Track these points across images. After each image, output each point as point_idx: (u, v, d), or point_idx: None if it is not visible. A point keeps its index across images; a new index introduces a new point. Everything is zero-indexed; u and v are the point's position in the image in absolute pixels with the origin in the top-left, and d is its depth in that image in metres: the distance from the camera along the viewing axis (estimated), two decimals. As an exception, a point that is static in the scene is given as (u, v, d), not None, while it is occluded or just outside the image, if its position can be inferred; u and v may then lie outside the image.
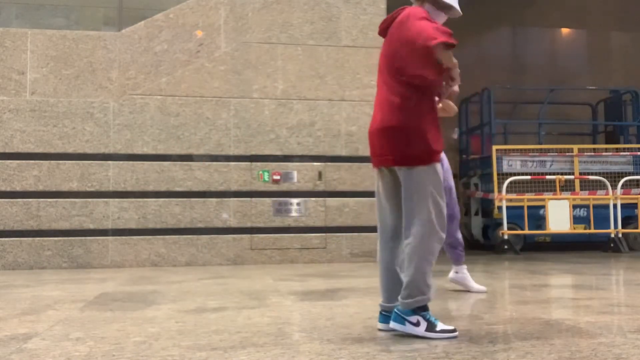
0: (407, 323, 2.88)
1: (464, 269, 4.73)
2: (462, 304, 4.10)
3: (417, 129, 2.90)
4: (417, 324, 2.86)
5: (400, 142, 2.91)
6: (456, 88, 3.09)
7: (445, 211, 2.95)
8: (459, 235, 4.64)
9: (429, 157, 2.90)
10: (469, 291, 4.68)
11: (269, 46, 8.17)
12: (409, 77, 2.93)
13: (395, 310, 2.93)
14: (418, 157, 2.89)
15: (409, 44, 2.88)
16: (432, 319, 2.89)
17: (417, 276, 2.86)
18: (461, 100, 11.81)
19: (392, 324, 2.93)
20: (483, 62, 13.79)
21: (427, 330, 2.85)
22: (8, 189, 7.51)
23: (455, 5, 3.12)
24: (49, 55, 7.78)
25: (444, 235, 2.94)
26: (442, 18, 3.11)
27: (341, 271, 6.71)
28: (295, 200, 8.09)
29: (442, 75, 2.93)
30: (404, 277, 2.92)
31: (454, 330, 2.88)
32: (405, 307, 2.89)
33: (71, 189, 7.63)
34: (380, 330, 3.08)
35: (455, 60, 2.86)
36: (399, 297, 2.92)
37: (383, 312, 3.09)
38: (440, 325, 2.88)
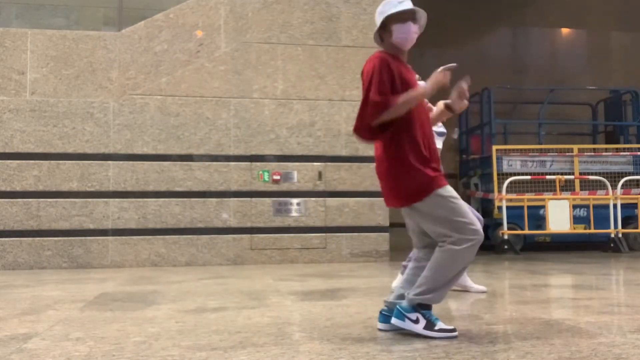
0: (406, 320, 2.92)
1: (464, 270, 4.73)
2: (462, 304, 4.10)
3: (399, 173, 2.97)
4: (416, 321, 2.90)
5: (390, 188, 3.04)
6: (463, 85, 3.09)
7: (467, 218, 2.92)
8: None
9: (424, 191, 2.94)
10: (468, 291, 4.68)
11: (269, 46, 8.17)
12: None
13: (398, 307, 2.97)
14: (410, 197, 2.97)
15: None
16: (433, 317, 2.92)
17: (434, 278, 2.90)
18: (461, 100, 11.79)
19: (393, 320, 2.97)
20: (483, 62, 13.78)
21: (425, 328, 2.88)
22: (8, 189, 7.51)
23: (412, 6, 3.04)
24: (49, 55, 7.78)
25: (472, 238, 2.89)
26: (413, 28, 3.06)
27: (341, 271, 6.71)
28: (295, 200, 8.09)
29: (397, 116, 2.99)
30: (424, 272, 2.95)
31: (453, 330, 2.90)
32: (408, 302, 2.93)
33: (71, 189, 7.63)
34: (380, 330, 3.09)
35: (416, 94, 2.95)
36: (407, 292, 2.97)
37: (383, 312, 3.11)
38: (439, 325, 2.90)
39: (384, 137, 2.99)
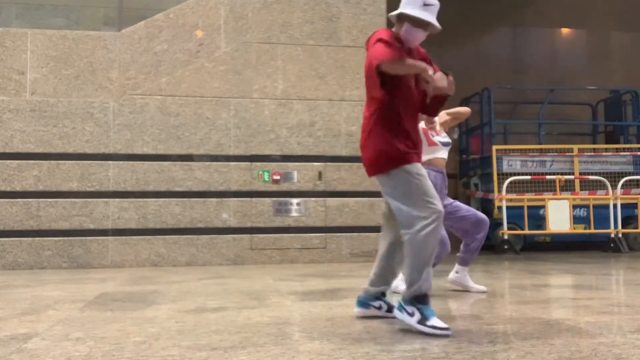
0: (404, 312, 3.08)
1: (465, 270, 4.74)
2: (462, 304, 4.10)
3: (373, 143, 3.19)
4: (411, 314, 3.05)
5: (366, 157, 3.27)
6: (443, 83, 3.10)
7: (428, 196, 3.06)
8: (481, 243, 4.63)
9: (392, 164, 3.13)
10: (468, 291, 4.69)
11: (269, 46, 8.17)
12: (370, 99, 3.27)
13: (400, 301, 3.14)
14: (379, 166, 3.18)
15: (366, 68, 3.21)
16: (427, 313, 3.01)
17: (413, 267, 3.06)
18: (461, 100, 11.81)
19: (395, 312, 3.17)
20: (483, 62, 13.79)
21: (419, 322, 3.00)
22: (8, 189, 7.51)
23: (433, 21, 3.18)
24: (49, 55, 7.78)
25: (428, 216, 3.02)
26: (421, 35, 3.22)
27: (341, 271, 6.71)
28: (295, 200, 8.09)
29: (389, 92, 3.16)
30: (404, 268, 3.16)
31: (446, 329, 2.93)
32: (404, 296, 3.12)
33: (71, 189, 7.63)
34: (357, 317, 3.41)
35: (419, 65, 3.06)
36: (397, 287, 3.26)
37: (360, 299, 3.45)
38: (433, 321, 2.97)
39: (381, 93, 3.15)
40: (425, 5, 3.14)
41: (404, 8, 3.17)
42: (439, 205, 3.06)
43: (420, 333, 2.95)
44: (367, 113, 3.27)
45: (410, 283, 3.07)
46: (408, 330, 3.03)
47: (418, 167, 3.14)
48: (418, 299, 3.04)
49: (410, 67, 3.06)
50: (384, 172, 3.16)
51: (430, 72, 3.04)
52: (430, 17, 3.15)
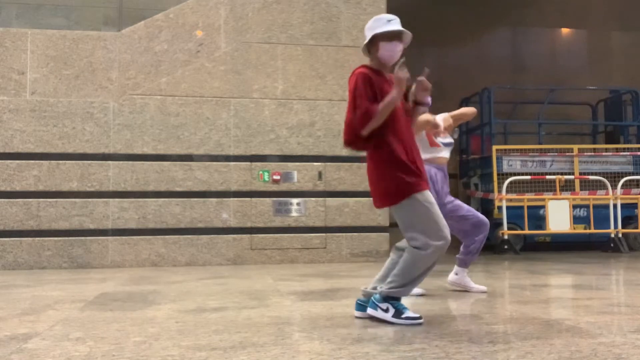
0: (378, 309, 3.29)
1: (464, 271, 4.74)
2: (462, 304, 4.10)
3: (379, 178, 3.32)
4: (386, 310, 3.27)
5: (373, 190, 3.41)
6: (422, 78, 3.34)
7: (437, 224, 3.19)
8: (481, 245, 4.62)
9: (399, 196, 3.25)
10: (468, 291, 4.68)
11: (269, 46, 8.17)
12: None
13: (372, 298, 3.35)
14: (387, 199, 3.32)
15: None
16: (401, 307, 3.26)
17: (403, 276, 3.25)
18: (461, 100, 11.81)
19: (369, 310, 3.36)
20: (483, 62, 13.78)
21: (393, 316, 3.23)
22: (8, 189, 7.51)
23: (400, 27, 3.31)
24: (49, 55, 7.78)
25: (436, 244, 3.17)
26: (398, 47, 3.34)
27: (341, 271, 6.71)
28: (295, 200, 8.09)
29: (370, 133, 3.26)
30: (394, 271, 3.31)
31: (418, 318, 3.21)
32: (380, 294, 3.30)
33: (71, 189, 7.63)
34: (356, 317, 3.44)
35: (393, 95, 3.19)
36: (380, 287, 3.33)
37: (359, 301, 3.48)
38: (406, 313, 3.23)
39: (370, 146, 3.29)
40: (389, 21, 3.32)
41: (372, 31, 3.32)
42: (447, 233, 3.22)
43: (398, 325, 3.17)
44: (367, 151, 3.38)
45: (393, 285, 3.25)
46: (408, 330, 3.04)
47: (426, 195, 3.26)
48: (392, 298, 3.28)
49: (388, 106, 3.19)
50: (394, 203, 3.28)
51: (396, 90, 3.18)
52: (399, 27, 3.32)
